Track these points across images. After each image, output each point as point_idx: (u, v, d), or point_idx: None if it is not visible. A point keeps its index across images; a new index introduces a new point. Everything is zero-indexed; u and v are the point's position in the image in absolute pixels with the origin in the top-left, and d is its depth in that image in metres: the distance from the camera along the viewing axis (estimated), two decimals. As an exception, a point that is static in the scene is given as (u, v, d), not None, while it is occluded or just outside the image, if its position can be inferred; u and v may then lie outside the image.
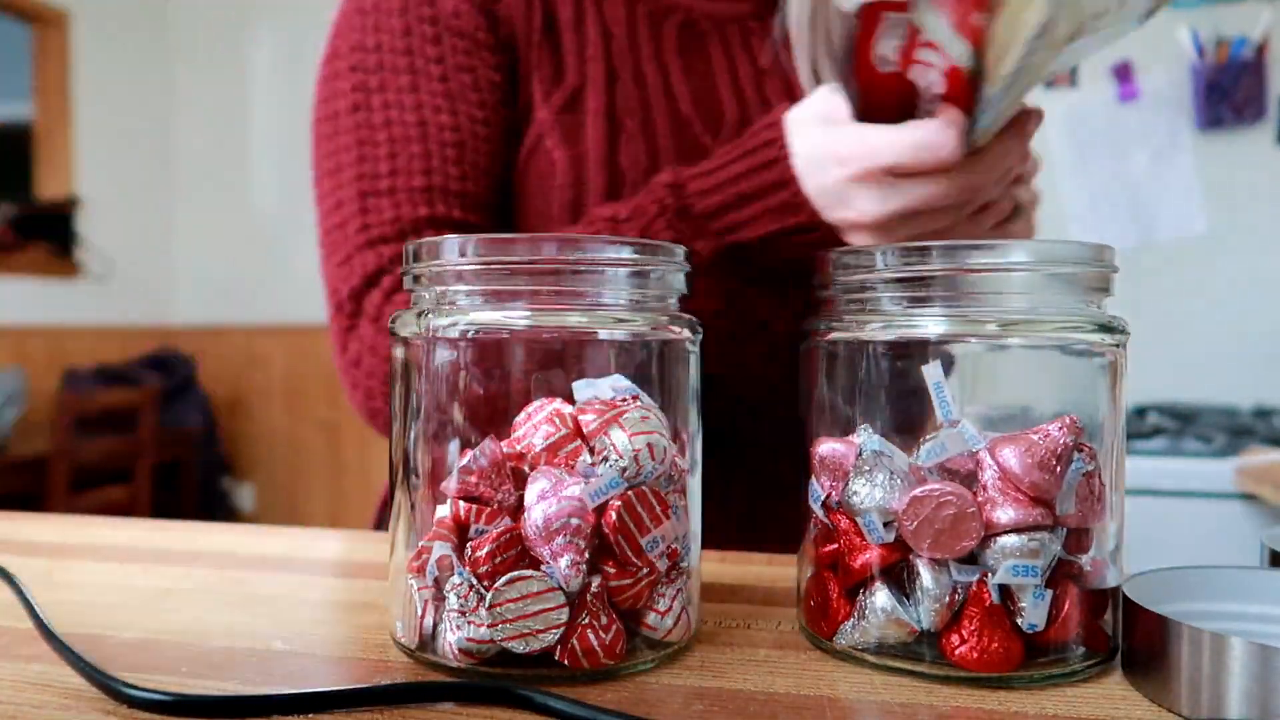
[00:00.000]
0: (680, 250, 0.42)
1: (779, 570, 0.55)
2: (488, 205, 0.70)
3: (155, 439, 3.05)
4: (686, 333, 0.42)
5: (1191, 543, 1.40)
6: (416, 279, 0.41)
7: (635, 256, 0.40)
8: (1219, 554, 1.40)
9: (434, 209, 0.67)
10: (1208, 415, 1.99)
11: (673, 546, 0.40)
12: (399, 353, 0.42)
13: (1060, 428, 0.38)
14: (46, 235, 3.44)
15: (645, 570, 0.39)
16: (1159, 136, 2.47)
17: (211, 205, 4.02)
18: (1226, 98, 2.39)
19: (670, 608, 0.40)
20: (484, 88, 0.69)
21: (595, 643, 0.38)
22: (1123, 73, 2.48)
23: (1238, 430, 1.70)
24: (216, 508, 3.60)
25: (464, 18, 0.69)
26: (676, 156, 0.69)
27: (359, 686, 0.36)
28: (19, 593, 0.48)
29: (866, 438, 0.40)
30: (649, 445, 0.38)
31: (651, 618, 0.40)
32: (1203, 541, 1.40)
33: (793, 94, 0.73)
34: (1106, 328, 0.39)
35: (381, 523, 0.79)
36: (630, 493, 0.38)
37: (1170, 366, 2.34)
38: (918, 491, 0.38)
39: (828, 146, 0.53)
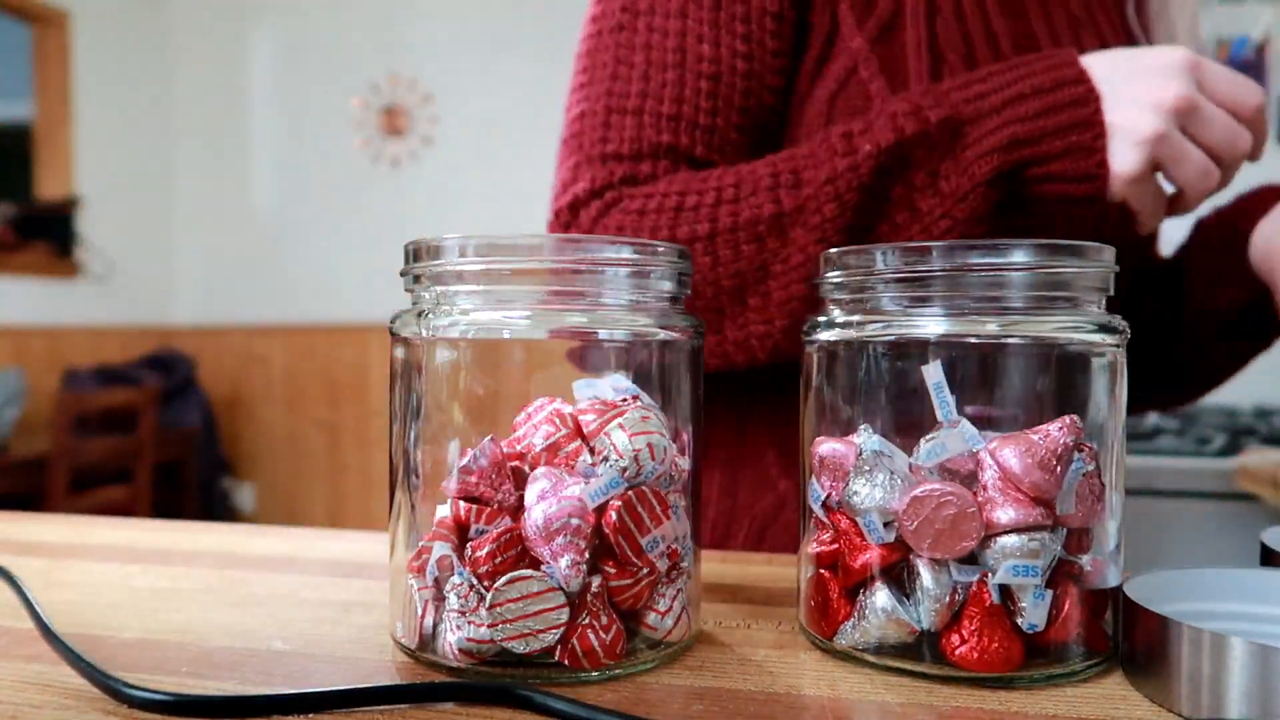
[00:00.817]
0: (680, 250, 0.42)
1: (779, 570, 0.55)
2: (736, 144, 0.68)
3: (155, 439, 3.05)
4: (686, 333, 0.42)
5: (1191, 543, 1.40)
6: (416, 279, 0.41)
7: (635, 256, 0.40)
8: (1219, 554, 1.40)
9: (677, 138, 0.66)
10: (1208, 415, 1.99)
11: (673, 546, 0.40)
12: (399, 353, 0.42)
13: (1060, 428, 0.38)
14: (46, 235, 3.44)
15: (645, 570, 0.39)
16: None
17: (211, 205, 4.02)
18: (1227, 98, 2.39)
19: (670, 608, 0.40)
20: (754, 18, 0.67)
21: (595, 643, 0.38)
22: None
23: (1238, 430, 1.70)
24: (216, 508, 3.60)
25: None
26: None
27: (359, 686, 0.36)
28: (19, 593, 0.48)
29: (866, 438, 0.40)
30: (649, 445, 0.38)
31: (651, 618, 0.40)
32: (1203, 541, 1.40)
33: (1106, 45, 0.72)
34: (1106, 328, 0.39)
35: None
36: (630, 493, 0.38)
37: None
38: (918, 491, 0.38)
39: (1142, 60, 0.55)
